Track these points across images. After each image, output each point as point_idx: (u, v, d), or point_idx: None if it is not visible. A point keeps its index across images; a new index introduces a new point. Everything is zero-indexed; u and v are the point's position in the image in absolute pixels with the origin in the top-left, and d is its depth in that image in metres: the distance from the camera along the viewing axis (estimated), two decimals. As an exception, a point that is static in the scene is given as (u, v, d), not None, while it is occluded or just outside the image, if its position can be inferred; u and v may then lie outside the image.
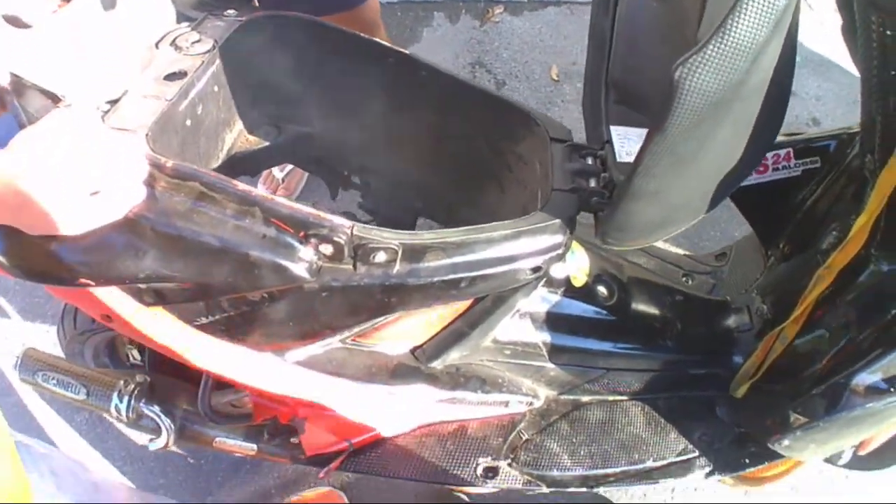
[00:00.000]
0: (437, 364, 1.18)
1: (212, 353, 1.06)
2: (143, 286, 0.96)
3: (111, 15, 0.91)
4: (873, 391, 1.09)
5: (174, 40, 1.06)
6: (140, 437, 1.77)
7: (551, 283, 1.25)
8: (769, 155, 1.35)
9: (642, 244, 1.16)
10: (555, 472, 1.24)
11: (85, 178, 0.81)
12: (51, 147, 0.80)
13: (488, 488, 1.25)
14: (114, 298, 0.99)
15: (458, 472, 1.22)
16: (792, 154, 1.35)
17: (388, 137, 1.32)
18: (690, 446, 1.32)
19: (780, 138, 1.33)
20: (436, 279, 0.98)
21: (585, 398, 1.33)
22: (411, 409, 1.24)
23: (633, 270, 1.41)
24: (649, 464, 1.29)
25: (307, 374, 1.10)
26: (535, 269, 1.04)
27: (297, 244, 0.91)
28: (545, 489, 1.24)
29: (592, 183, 1.09)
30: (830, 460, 1.57)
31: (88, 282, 0.90)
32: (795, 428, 1.16)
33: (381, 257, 0.95)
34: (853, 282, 1.18)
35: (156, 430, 1.28)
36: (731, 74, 0.76)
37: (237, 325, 1.02)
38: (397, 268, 0.96)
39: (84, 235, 0.85)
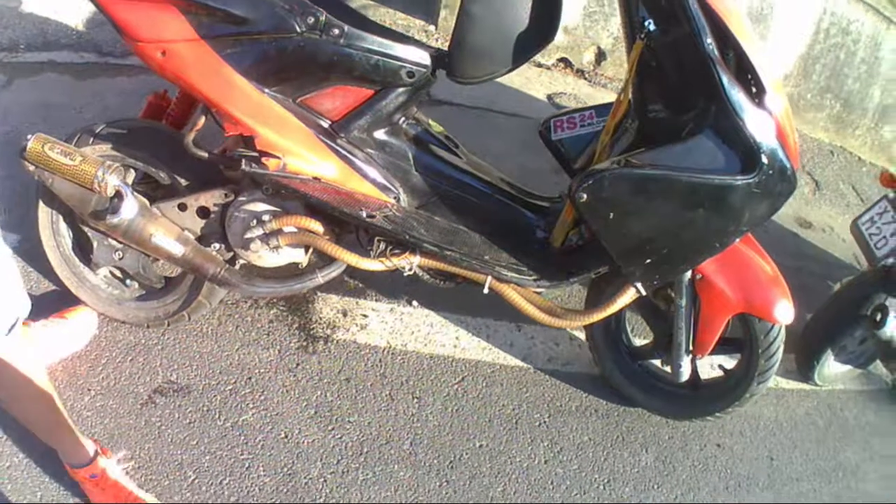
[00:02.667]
0: (343, 134, 1.82)
1: (223, 80, 1.67)
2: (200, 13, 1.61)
3: None
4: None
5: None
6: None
7: (419, 122, 1.95)
8: (576, 115, 2.07)
9: (477, 76, 1.79)
10: (412, 233, 1.82)
11: None
12: None
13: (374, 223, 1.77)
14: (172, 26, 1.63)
15: (347, 210, 1.78)
16: (594, 113, 2.07)
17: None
18: (521, 259, 1.89)
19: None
20: (357, 53, 1.69)
21: (437, 216, 1.93)
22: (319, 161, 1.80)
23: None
24: (486, 258, 1.87)
25: (272, 106, 1.72)
26: (410, 74, 1.75)
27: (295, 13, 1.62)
28: (407, 237, 1.81)
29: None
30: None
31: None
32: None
33: (335, 32, 1.65)
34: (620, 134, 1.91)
35: (118, 205, 1.74)
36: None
37: (241, 57, 1.68)
38: (342, 40, 1.67)
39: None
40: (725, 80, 1.59)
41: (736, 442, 2.36)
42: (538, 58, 4.12)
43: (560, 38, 4.08)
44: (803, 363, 2.59)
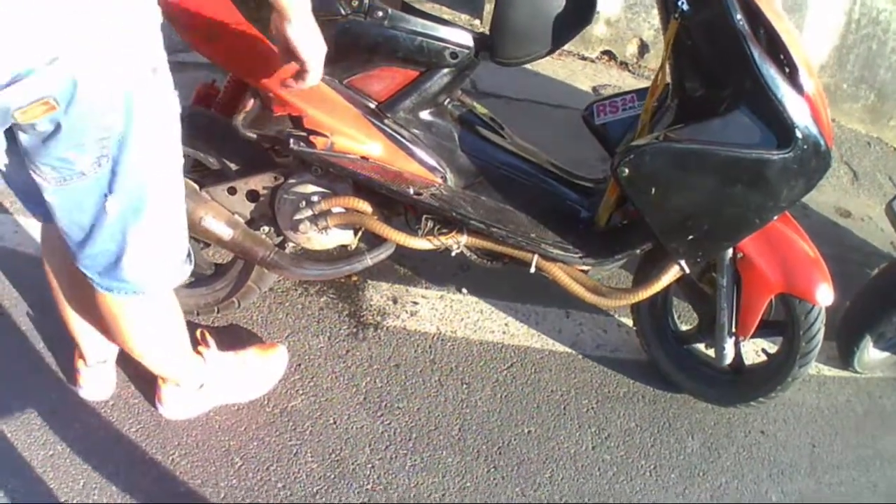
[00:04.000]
0: (389, 114, 1.83)
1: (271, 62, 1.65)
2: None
3: None
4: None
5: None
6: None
7: (464, 103, 1.94)
8: (618, 99, 2.06)
9: (519, 56, 1.79)
10: (459, 210, 1.82)
11: None
12: None
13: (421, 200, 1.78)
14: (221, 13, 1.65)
15: (395, 188, 1.79)
16: (635, 97, 2.05)
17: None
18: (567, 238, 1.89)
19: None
20: (401, 35, 1.70)
21: (484, 195, 1.92)
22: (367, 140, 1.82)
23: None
24: (532, 235, 1.86)
25: (320, 86, 1.68)
26: (454, 55, 1.75)
27: None
28: (454, 215, 1.81)
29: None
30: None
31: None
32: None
33: (379, 14, 1.65)
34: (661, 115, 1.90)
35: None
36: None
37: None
38: (386, 22, 1.67)
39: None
40: (756, 55, 1.59)
41: (779, 429, 2.32)
42: (582, 51, 4.10)
43: (603, 30, 4.07)
44: (843, 350, 2.54)
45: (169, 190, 1.38)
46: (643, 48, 4.11)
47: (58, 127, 1.13)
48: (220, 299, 2.12)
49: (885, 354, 2.56)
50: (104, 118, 1.17)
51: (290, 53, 1.42)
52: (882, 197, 3.70)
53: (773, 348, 2.17)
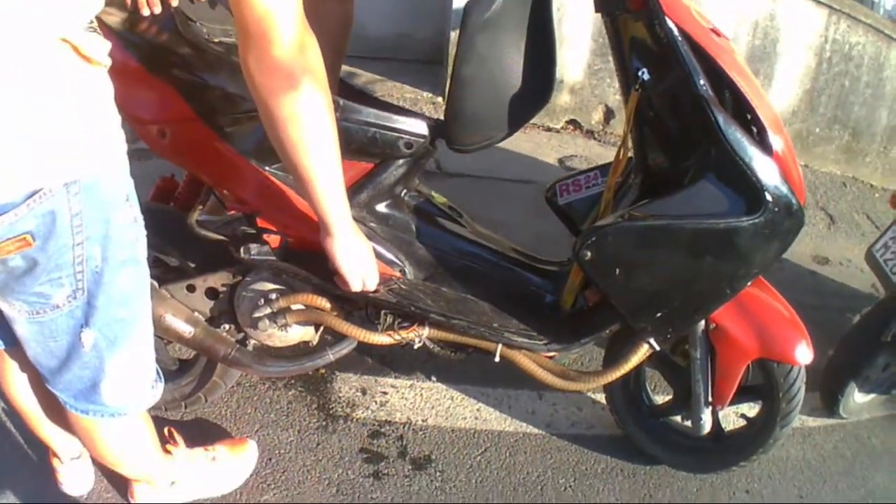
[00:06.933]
0: None
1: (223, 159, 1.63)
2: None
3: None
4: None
5: None
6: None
7: (421, 193, 1.89)
8: (581, 177, 2.02)
9: (476, 142, 1.72)
10: (419, 304, 1.73)
11: None
12: None
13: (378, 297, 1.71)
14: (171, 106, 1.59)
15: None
16: (598, 174, 2.02)
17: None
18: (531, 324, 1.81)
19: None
20: (353, 126, 1.64)
21: (444, 286, 1.84)
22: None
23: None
24: (495, 325, 1.78)
25: (273, 183, 1.67)
26: (408, 145, 1.69)
27: None
28: (413, 309, 1.73)
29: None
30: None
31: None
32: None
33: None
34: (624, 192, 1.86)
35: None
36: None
37: (240, 135, 1.64)
38: (338, 114, 1.58)
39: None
40: (721, 119, 1.52)
41: (765, 486, 2.24)
42: (547, 122, 4.09)
43: (567, 99, 4.05)
44: (828, 398, 2.48)
45: (145, 316, 1.35)
46: (608, 114, 4.10)
47: (33, 263, 1.07)
48: (187, 395, 2.05)
49: (871, 396, 2.51)
50: (81, 251, 1.11)
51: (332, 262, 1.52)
52: (860, 237, 3.67)
53: (752, 411, 2.11)
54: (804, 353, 1.78)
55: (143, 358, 1.41)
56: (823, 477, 2.31)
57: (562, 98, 4.02)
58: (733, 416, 2.25)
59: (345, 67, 1.96)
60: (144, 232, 1.28)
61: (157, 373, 1.50)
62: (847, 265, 3.49)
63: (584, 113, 4.11)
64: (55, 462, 1.79)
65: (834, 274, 3.40)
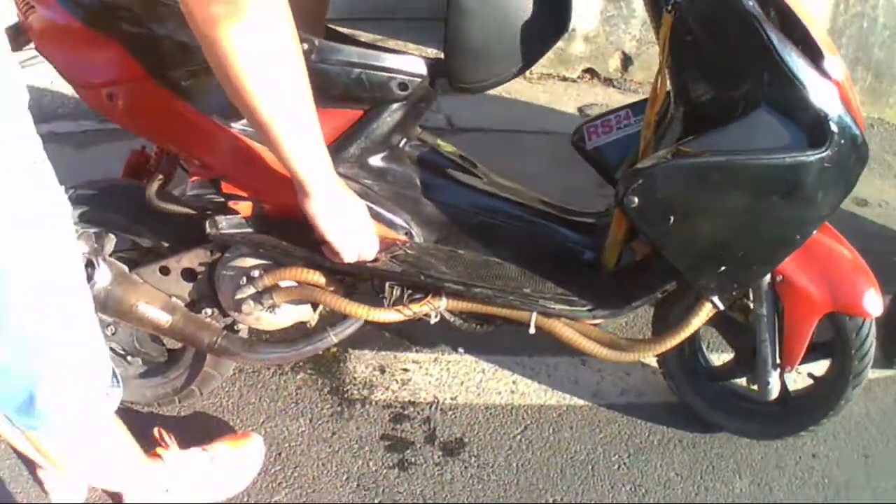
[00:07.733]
0: None
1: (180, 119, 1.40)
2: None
3: None
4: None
5: None
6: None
7: (425, 142, 1.61)
8: (611, 117, 1.75)
9: (482, 80, 1.46)
10: (430, 272, 1.48)
11: None
12: None
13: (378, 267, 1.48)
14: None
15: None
16: (630, 112, 1.75)
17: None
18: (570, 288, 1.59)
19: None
20: (333, 69, 1.37)
21: (462, 249, 1.59)
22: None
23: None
24: (526, 290, 1.54)
25: (240, 142, 1.43)
26: (403, 86, 1.41)
27: None
28: (423, 278, 1.48)
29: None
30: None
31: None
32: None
33: (304, 47, 1.30)
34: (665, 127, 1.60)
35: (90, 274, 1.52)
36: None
37: (197, 90, 1.39)
38: (313, 56, 1.35)
39: None
40: (776, 39, 1.31)
41: (830, 448, 2.07)
42: (563, 72, 3.98)
43: (581, 47, 3.93)
44: (887, 349, 2.29)
45: (72, 310, 1.14)
46: (626, 61, 4.01)
47: None
48: (179, 388, 1.84)
49: None
50: None
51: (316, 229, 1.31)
52: (894, 178, 3.62)
53: (819, 370, 1.93)
54: (875, 304, 1.62)
55: (84, 357, 1.21)
56: (887, 434, 2.15)
57: (576, 46, 3.91)
58: (798, 376, 2.04)
59: (341, 30, 1.70)
60: (65, 203, 1.09)
61: (115, 376, 1.30)
62: (885, 206, 3.36)
63: (600, 61, 4.00)
64: (40, 473, 1.67)
65: (874, 216, 3.26)
